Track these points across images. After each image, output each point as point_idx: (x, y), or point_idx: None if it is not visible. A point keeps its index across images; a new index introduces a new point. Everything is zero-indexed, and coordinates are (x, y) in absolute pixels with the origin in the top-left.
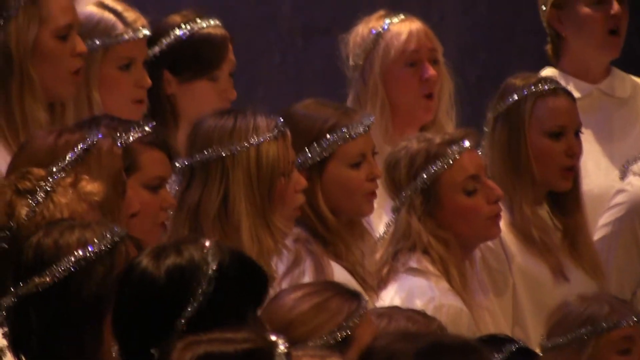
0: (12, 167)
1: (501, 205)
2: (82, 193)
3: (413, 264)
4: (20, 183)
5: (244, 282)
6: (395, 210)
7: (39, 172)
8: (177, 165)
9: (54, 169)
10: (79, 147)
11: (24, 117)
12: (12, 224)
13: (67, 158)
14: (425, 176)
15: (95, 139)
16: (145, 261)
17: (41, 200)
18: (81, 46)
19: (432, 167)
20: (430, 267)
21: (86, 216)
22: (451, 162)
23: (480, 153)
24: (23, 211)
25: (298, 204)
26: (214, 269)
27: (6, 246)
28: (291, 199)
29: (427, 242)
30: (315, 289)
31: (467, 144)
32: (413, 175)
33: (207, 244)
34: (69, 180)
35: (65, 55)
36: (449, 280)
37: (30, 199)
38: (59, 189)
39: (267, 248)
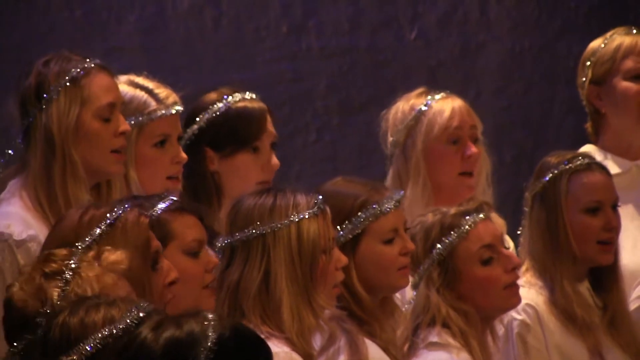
0: (43, 249)
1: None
2: (107, 264)
3: (433, 338)
4: (46, 266)
5: (245, 356)
6: (415, 286)
7: (61, 252)
8: (218, 244)
9: (79, 246)
10: (105, 221)
11: (67, 199)
12: (46, 309)
13: (92, 233)
14: (440, 247)
15: (121, 212)
16: (144, 332)
17: (70, 278)
18: (124, 125)
19: (447, 238)
20: (451, 340)
21: (116, 286)
22: (466, 232)
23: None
24: (55, 293)
25: (338, 281)
26: (213, 342)
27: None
28: (332, 276)
29: (446, 314)
30: None
31: (481, 214)
32: (429, 248)
33: (209, 317)
34: (91, 254)
35: (108, 136)
36: (470, 352)
37: (59, 280)
38: (83, 264)
39: (308, 325)
